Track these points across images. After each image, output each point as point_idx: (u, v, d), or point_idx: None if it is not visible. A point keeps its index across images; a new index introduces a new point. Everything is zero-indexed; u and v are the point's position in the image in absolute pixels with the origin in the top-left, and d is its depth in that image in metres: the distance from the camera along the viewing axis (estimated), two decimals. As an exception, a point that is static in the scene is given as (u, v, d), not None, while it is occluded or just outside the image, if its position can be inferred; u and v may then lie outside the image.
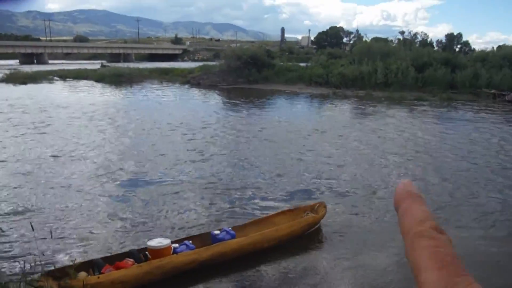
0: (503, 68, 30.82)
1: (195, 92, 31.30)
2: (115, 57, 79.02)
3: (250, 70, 33.30)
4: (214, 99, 27.95)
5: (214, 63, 43.43)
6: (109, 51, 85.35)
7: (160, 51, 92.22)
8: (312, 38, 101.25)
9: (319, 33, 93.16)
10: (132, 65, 49.25)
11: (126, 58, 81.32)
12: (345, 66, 33.25)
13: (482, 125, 18.94)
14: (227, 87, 32.44)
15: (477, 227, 8.17)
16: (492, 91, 29.00)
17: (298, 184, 10.37)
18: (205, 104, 25.13)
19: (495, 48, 39.61)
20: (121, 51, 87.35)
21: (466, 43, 50.19)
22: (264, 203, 9.03)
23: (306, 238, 7.52)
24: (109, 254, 6.32)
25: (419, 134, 16.76)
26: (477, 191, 10.12)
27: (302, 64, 37.46)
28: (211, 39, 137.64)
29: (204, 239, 6.73)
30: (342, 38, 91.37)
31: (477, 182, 10.81)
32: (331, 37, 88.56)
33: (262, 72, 33.68)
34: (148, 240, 6.35)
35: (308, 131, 16.75)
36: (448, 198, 9.60)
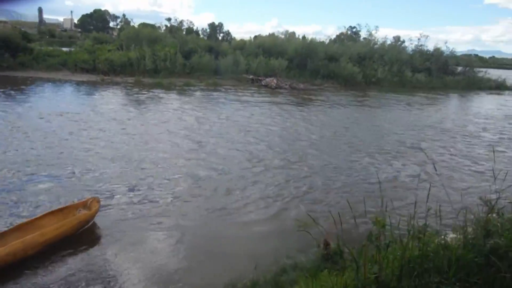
0: (259, 56, 34.49)
1: None
2: None
3: (3, 55, 28.77)
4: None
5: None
6: None
7: None
8: (75, 21, 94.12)
9: (83, 16, 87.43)
10: None
11: None
12: (113, 52, 31.87)
13: (244, 106, 20.83)
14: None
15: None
16: (251, 76, 32.16)
17: (62, 179, 9.37)
18: None
19: (252, 38, 43.67)
20: None
21: (228, 32, 53.74)
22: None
23: (82, 237, 7.00)
24: None
25: (191, 120, 17.28)
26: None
27: (65, 49, 34.23)
28: None
29: None
30: (109, 22, 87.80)
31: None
32: (97, 21, 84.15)
33: (17, 57, 29.46)
34: None
35: (85, 122, 15.35)
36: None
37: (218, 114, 18.86)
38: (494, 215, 4.18)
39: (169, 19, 48.15)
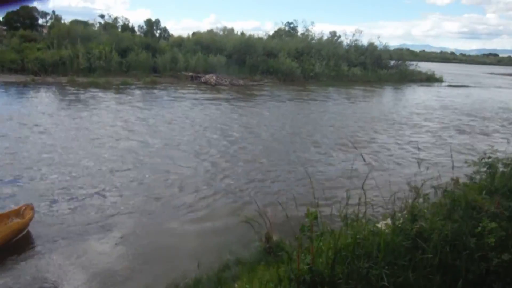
0: (197, 52, 34.18)
1: None
2: None
3: None
4: None
5: None
6: None
7: None
8: (0, 18, 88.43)
9: (9, 13, 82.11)
10: None
11: None
12: (43, 51, 30.26)
13: (186, 104, 20.59)
14: None
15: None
16: (190, 73, 31.82)
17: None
18: None
19: (190, 34, 43.15)
20: None
21: (165, 29, 52.76)
22: None
23: (16, 246, 6.66)
24: None
25: (131, 118, 16.86)
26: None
27: (-11, 49, 32.03)
28: None
29: None
30: (37, 19, 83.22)
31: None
32: (24, 18, 79.51)
33: None
34: None
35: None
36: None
37: (158, 112, 18.52)
38: (420, 200, 4.45)
39: (102, 16, 46.50)
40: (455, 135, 17.41)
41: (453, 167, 5.06)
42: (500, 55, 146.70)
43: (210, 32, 42.49)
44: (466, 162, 5.75)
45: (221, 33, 42.43)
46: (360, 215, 4.30)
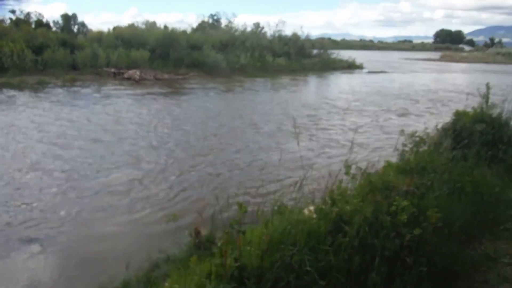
0: (118, 47, 33.15)
1: None
2: None
3: None
4: None
5: None
6: None
7: None
8: None
9: None
10: None
11: None
12: None
13: (110, 101, 19.99)
14: None
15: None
16: (112, 69, 30.85)
17: None
18: None
19: (110, 29, 41.71)
20: None
21: (83, 24, 50.53)
22: None
23: None
24: None
25: (47, 120, 16.09)
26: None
27: None
28: None
29: None
30: None
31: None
32: None
33: None
34: None
35: None
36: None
37: (80, 112, 17.80)
38: (347, 183, 4.75)
39: (13, 11, 43.54)
40: (393, 118, 18.55)
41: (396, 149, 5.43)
42: (414, 41, 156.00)
43: (131, 26, 41.27)
44: (397, 144, 6.22)
45: (143, 26, 41.40)
46: (293, 202, 4.46)
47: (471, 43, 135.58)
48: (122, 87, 25.73)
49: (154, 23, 43.03)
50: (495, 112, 8.16)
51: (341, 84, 32.71)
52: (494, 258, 4.73)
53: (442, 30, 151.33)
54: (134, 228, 7.74)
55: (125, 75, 29.89)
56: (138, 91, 24.70)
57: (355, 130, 14.04)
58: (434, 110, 20.71)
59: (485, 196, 5.89)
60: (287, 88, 28.37)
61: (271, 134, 14.61)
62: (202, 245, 6.28)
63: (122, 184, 9.72)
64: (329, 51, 47.59)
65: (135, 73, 29.89)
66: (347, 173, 4.72)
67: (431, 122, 9.23)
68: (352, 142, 5.56)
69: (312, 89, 30.75)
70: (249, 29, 45.27)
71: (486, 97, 8.33)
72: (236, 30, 43.96)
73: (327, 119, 17.70)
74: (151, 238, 7.31)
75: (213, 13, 49.22)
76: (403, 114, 19.64)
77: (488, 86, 8.33)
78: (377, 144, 13.33)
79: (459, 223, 4.92)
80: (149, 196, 9.11)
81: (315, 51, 46.03)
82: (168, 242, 6.90)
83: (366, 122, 17.43)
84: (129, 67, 31.23)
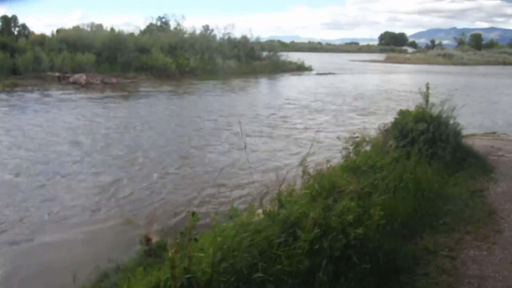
0: (63, 51, 32.04)
1: None
2: None
3: None
4: None
5: None
6: None
7: None
8: None
9: None
10: None
11: None
12: None
13: (55, 107, 19.26)
14: None
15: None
16: (57, 74, 29.74)
17: None
18: None
19: (54, 32, 40.23)
20: None
21: (24, 26, 48.40)
22: None
23: None
24: None
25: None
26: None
27: None
28: None
29: None
30: None
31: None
32: None
33: None
34: None
35: None
36: None
37: (23, 120, 17.01)
38: (296, 185, 4.79)
39: None
40: (356, 117, 18.98)
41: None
42: (360, 43, 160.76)
43: (76, 28, 39.96)
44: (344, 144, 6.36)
45: (89, 29, 40.20)
46: (244, 206, 4.39)
47: (413, 45, 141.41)
48: (68, 92, 24.86)
49: (100, 26, 41.92)
50: (435, 111, 8.57)
51: (296, 85, 33.21)
52: (434, 251, 4.94)
53: (386, 33, 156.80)
54: (81, 237, 7.47)
55: (71, 79, 28.92)
56: (87, 95, 24.01)
57: (317, 130, 14.14)
58: (390, 107, 21.07)
59: (426, 192, 6.19)
60: (242, 90, 28.54)
61: (225, 138, 14.41)
62: (152, 253, 6.14)
63: (68, 193, 9.38)
64: (279, 54, 48.07)
65: (81, 77, 28.98)
66: (303, 173, 4.80)
67: (389, 119, 9.53)
68: (312, 142, 5.65)
69: (267, 91, 31.12)
70: (198, 31, 45.10)
71: (426, 96, 8.75)
72: (185, 33, 43.66)
73: (291, 118, 17.97)
74: (101, 246, 7.08)
75: (161, 15, 48.34)
76: (364, 113, 20.11)
77: (427, 86, 8.76)
78: (337, 142, 13.48)
79: (401, 219, 5.13)
80: (96, 204, 8.78)
81: (264, 54, 46.38)
82: (118, 250, 6.71)
83: (326, 119, 17.88)
84: (74, 71, 30.23)
